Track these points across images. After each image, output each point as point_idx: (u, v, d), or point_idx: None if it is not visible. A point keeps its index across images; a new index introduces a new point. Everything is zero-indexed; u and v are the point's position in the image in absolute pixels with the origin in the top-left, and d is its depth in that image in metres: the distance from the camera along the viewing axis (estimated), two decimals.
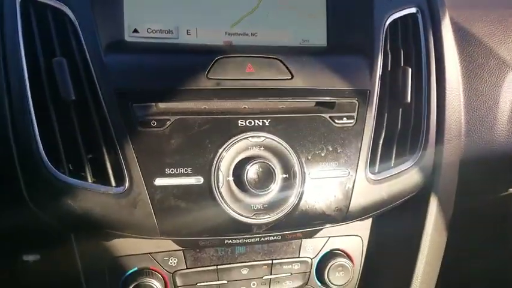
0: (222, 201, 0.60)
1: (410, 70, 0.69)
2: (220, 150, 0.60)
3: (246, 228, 0.62)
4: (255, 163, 0.60)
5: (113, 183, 0.59)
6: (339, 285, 0.77)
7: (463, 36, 0.85)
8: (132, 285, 0.69)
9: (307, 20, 0.72)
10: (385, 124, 0.68)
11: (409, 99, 0.69)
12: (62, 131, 0.58)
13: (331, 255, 0.77)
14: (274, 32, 0.71)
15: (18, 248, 0.74)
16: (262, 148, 0.61)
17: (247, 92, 0.62)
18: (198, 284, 0.73)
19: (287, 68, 0.64)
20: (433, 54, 0.73)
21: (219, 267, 0.74)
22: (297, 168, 0.62)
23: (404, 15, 0.72)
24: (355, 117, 0.65)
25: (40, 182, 0.58)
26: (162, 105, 0.60)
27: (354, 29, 0.72)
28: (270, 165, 0.60)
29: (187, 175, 0.59)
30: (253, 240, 0.68)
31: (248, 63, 0.63)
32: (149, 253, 0.72)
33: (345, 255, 0.78)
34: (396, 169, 0.68)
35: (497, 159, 0.83)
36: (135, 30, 0.66)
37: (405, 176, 0.68)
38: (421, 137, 0.70)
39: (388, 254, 0.78)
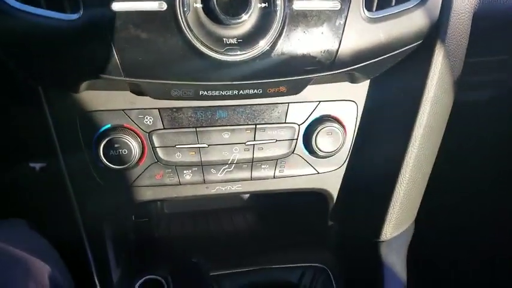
0: (188, 32, 0.52)
1: None
2: None
3: (217, 66, 0.54)
4: None
5: (68, 10, 0.52)
6: (328, 152, 0.72)
7: None
8: (105, 140, 0.65)
9: None
10: None
11: None
12: None
13: (320, 121, 0.71)
14: None
15: None
16: None
17: None
18: (176, 146, 0.69)
19: None
20: None
21: (198, 129, 0.69)
22: None
23: None
24: None
25: None
26: None
27: None
28: None
29: None
30: (231, 93, 0.61)
31: None
32: (123, 109, 0.67)
33: (335, 121, 0.72)
34: (397, 7, 0.58)
35: None
36: None
37: (407, 17, 0.59)
38: None
39: (384, 120, 0.71)
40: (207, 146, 0.70)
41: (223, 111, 0.69)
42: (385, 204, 0.73)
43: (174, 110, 0.68)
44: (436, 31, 0.63)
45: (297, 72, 0.58)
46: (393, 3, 0.59)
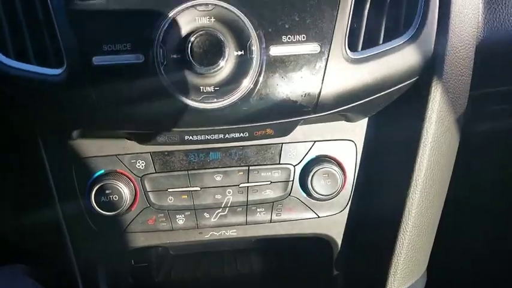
0: (165, 82, 0.52)
1: None
2: (162, 22, 0.51)
3: (197, 114, 0.53)
4: (200, 34, 0.50)
5: (53, 65, 0.54)
6: (325, 195, 0.68)
7: None
8: (96, 187, 0.66)
9: None
10: None
11: None
12: (7, 16, 0.54)
13: (317, 161, 0.68)
14: None
15: None
16: (212, 19, 0.51)
17: None
18: (169, 190, 0.69)
19: None
20: None
21: (190, 172, 0.68)
22: (254, 42, 0.51)
23: None
24: None
25: None
26: None
27: None
28: (218, 37, 0.50)
29: (126, 52, 0.52)
30: (216, 136, 0.60)
31: None
32: (116, 155, 0.68)
33: (333, 161, 0.68)
34: (384, 46, 0.55)
35: None
36: None
37: (396, 55, 0.56)
38: (419, 7, 0.56)
39: (384, 162, 0.67)
40: (199, 189, 0.69)
41: (215, 153, 0.68)
42: (389, 255, 0.68)
43: (166, 153, 0.68)
44: (431, 67, 0.58)
45: (279, 116, 0.56)
46: (381, 42, 0.56)
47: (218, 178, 0.68)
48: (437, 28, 0.57)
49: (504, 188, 1.02)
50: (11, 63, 0.55)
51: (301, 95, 0.54)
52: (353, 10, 0.54)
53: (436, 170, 0.63)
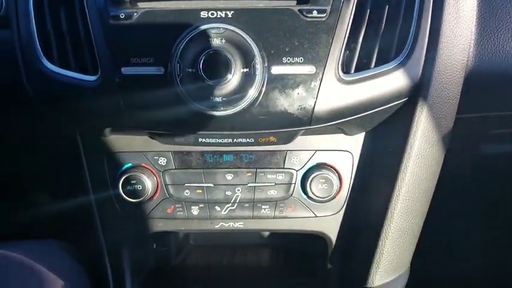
0: (181, 91, 0.61)
1: None
2: (180, 41, 0.60)
3: (207, 120, 0.63)
4: (212, 53, 0.59)
5: (91, 72, 0.65)
6: (322, 198, 0.76)
7: None
8: (124, 177, 0.76)
9: None
10: (366, 20, 0.62)
11: None
12: (54, 28, 0.65)
13: (316, 168, 0.76)
14: None
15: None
16: (223, 40, 0.61)
17: None
18: (186, 185, 0.78)
19: None
20: None
21: (205, 170, 0.77)
22: (257, 61, 0.60)
23: None
24: (327, 11, 0.61)
25: (34, 70, 0.67)
26: (131, 1, 0.63)
27: None
28: (226, 55, 0.59)
29: (150, 65, 0.61)
30: (226, 140, 0.69)
31: None
32: (141, 151, 0.78)
33: (331, 169, 0.76)
34: (374, 70, 0.63)
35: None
36: None
37: (386, 77, 0.62)
38: (410, 36, 0.63)
39: (375, 172, 0.74)
40: (212, 185, 0.77)
41: (228, 155, 0.77)
42: (373, 252, 0.75)
43: (185, 153, 0.77)
44: (418, 90, 0.65)
45: (279, 125, 0.65)
46: (372, 65, 0.63)
47: (229, 177, 0.77)
48: (425, 55, 0.64)
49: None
50: (56, 69, 0.65)
51: (298, 109, 0.62)
52: (348, 37, 0.61)
53: (418, 181, 0.70)
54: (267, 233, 1.04)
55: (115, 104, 0.64)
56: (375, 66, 0.63)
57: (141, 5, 0.63)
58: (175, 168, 0.78)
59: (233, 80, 0.60)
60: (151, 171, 0.78)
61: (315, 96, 0.61)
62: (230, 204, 0.78)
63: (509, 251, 1.08)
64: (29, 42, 0.66)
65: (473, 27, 0.68)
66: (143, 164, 0.78)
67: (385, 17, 0.63)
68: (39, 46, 0.66)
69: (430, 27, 0.63)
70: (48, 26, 0.65)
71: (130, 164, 0.78)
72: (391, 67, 0.63)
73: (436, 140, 0.68)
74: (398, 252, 0.76)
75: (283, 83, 0.61)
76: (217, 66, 0.60)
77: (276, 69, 0.61)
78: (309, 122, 0.63)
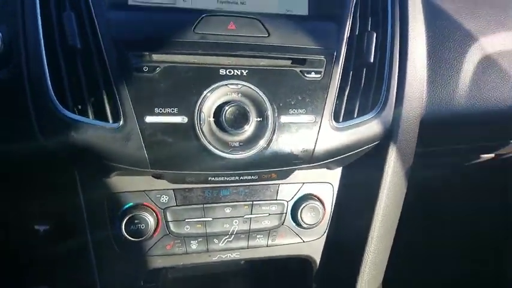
0: (203, 138, 0.69)
1: (375, 34, 0.79)
2: (203, 94, 0.69)
3: (224, 162, 0.71)
4: (233, 106, 0.70)
5: (110, 120, 0.69)
6: (310, 225, 0.88)
7: (432, 12, 0.94)
8: (128, 217, 0.79)
9: None
10: (350, 80, 0.78)
11: (372, 60, 0.79)
12: (69, 75, 0.68)
13: (304, 198, 0.88)
14: (261, 2, 0.79)
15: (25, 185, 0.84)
16: (240, 94, 0.71)
17: (228, 46, 0.72)
18: (186, 220, 0.84)
19: (264, 27, 0.74)
20: (398, 21, 0.82)
21: (205, 205, 0.84)
22: (269, 112, 0.72)
23: None
24: (322, 73, 0.75)
25: (49, 117, 0.68)
26: (153, 54, 0.70)
27: (332, 1, 0.81)
28: (245, 108, 0.70)
29: (174, 114, 0.69)
30: (233, 178, 0.78)
31: (231, 22, 0.73)
32: (144, 190, 0.82)
33: (317, 199, 0.89)
34: (358, 119, 0.78)
35: (458, 121, 0.92)
36: None
37: (366, 126, 0.78)
38: (382, 94, 0.79)
39: (353, 200, 0.89)
40: (211, 219, 0.84)
41: (226, 190, 0.85)
42: (355, 271, 0.89)
43: (186, 190, 0.83)
44: (389, 134, 0.82)
45: (284, 165, 0.76)
46: (355, 116, 0.78)
47: (228, 211, 0.85)
48: (394, 107, 0.81)
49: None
50: (73, 116, 0.67)
51: (301, 151, 0.74)
52: (337, 93, 0.76)
53: (391, 207, 0.86)
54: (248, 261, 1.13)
55: (137, 150, 0.69)
56: (357, 116, 0.78)
57: (156, 57, 0.69)
58: (177, 205, 0.83)
59: (249, 128, 0.71)
60: (153, 210, 0.82)
61: (315, 140, 0.74)
62: (228, 236, 0.86)
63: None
64: (41, 88, 0.67)
65: (424, 81, 0.87)
66: (145, 203, 0.82)
67: (363, 79, 0.79)
68: (53, 92, 0.67)
69: (397, 86, 0.81)
70: (63, 71, 0.68)
71: (131, 203, 0.81)
72: (369, 117, 0.79)
73: (403, 173, 0.85)
74: (376, 269, 0.90)
75: (290, 130, 0.73)
76: (236, 117, 0.70)
77: (284, 119, 0.73)
78: (309, 161, 0.76)
